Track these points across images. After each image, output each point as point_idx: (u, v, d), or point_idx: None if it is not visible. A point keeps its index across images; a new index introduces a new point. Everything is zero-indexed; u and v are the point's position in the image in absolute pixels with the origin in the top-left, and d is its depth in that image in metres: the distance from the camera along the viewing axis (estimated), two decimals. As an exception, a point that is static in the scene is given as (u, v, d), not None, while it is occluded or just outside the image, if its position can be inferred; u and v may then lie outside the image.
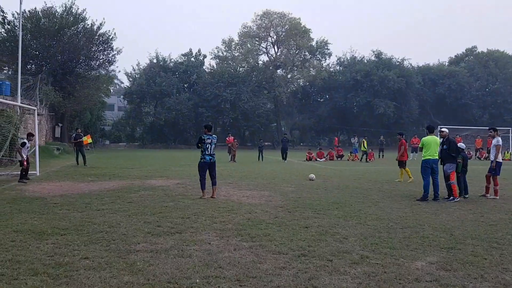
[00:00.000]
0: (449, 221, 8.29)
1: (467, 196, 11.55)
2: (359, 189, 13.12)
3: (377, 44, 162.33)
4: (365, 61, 63.62)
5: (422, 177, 11.37)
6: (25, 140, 14.90)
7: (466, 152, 12.08)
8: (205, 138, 10.85)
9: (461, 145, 12.34)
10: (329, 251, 5.90)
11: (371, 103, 57.02)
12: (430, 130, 11.74)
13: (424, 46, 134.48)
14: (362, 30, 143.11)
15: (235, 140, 28.76)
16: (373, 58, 63.88)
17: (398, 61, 62.95)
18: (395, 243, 6.45)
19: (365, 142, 28.73)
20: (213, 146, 10.95)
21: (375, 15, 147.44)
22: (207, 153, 10.82)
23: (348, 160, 29.65)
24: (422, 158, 11.55)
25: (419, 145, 12.11)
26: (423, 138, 11.67)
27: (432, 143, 11.32)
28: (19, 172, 14.33)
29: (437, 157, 11.39)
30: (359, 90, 58.61)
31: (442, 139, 11.70)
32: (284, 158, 28.07)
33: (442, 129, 11.99)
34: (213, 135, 11.12)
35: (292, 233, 6.94)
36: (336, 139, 48.38)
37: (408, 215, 8.77)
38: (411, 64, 64.96)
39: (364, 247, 6.19)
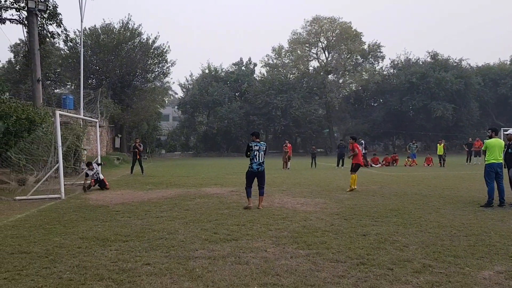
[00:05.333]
0: (517, 228, 7.86)
1: (535, 201, 10.91)
2: (418, 195, 12.71)
3: (432, 45, 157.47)
4: (420, 63, 61.78)
5: (486, 182, 10.84)
6: (87, 171, 15.29)
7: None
8: (253, 145, 10.41)
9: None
10: (389, 260, 5.75)
11: (428, 106, 55.14)
12: (496, 133, 11.18)
13: (483, 45, 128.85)
14: (416, 31, 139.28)
15: (285, 146, 28.16)
16: (428, 59, 61.95)
17: (455, 62, 60.66)
18: (459, 251, 6.18)
19: (441, 146, 28.38)
20: (262, 153, 10.43)
21: (429, 16, 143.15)
22: (255, 161, 10.35)
23: (405, 165, 28.84)
24: (486, 162, 11.00)
25: (482, 148, 11.55)
26: (487, 141, 11.12)
27: (496, 146, 10.77)
28: (86, 184, 14.88)
29: (501, 161, 10.83)
30: (415, 93, 56.85)
31: (508, 142, 11.06)
32: (342, 164, 27.68)
33: (509, 131, 11.28)
34: (262, 142, 10.58)
35: (349, 241, 6.82)
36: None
37: (472, 222, 8.40)
38: (469, 65, 62.43)
39: (426, 255, 5.98)
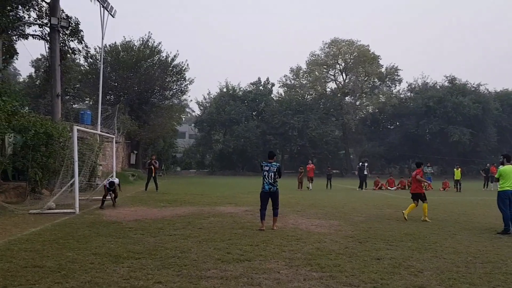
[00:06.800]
0: (536, 257, 7.66)
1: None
2: (434, 220, 12.49)
3: (451, 69, 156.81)
4: (438, 87, 61.59)
5: (500, 209, 10.63)
6: (107, 185, 15.46)
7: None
8: (263, 165, 10.42)
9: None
10: (403, 285, 5.65)
11: (445, 130, 54.71)
12: (508, 159, 11.05)
13: (501, 70, 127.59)
14: (433, 55, 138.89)
15: (301, 167, 29.15)
16: (446, 83, 61.76)
17: (473, 87, 60.33)
18: (474, 278, 6.06)
19: (458, 171, 28.31)
20: (272, 174, 10.29)
21: (446, 40, 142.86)
22: (265, 181, 10.30)
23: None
24: (499, 189, 10.83)
25: (496, 176, 11.38)
26: (500, 168, 10.99)
27: (510, 173, 10.61)
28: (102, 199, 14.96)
29: None
30: (431, 117, 56.51)
31: None
32: (363, 186, 27.58)
33: None
34: (274, 163, 10.47)
35: (363, 265, 6.72)
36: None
37: (489, 249, 8.22)
38: (487, 90, 62.01)
39: (441, 282, 5.86)
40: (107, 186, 15.14)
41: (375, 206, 16.29)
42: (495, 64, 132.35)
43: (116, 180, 15.68)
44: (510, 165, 10.84)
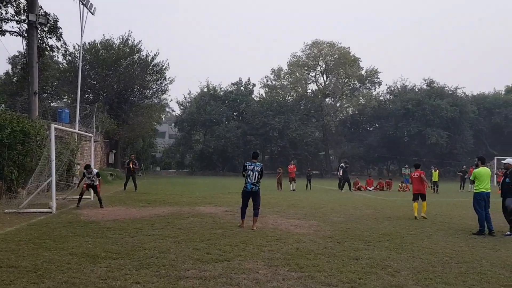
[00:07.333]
0: (509, 257, 7.85)
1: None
2: (411, 220, 12.69)
3: (429, 72, 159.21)
4: (416, 90, 62.44)
5: (476, 210, 10.86)
6: (85, 172, 15.15)
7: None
8: (247, 165, 10.62)
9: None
10: (381, 285, 5.72)
11: (423, 133, 55.57)
12: (483, 162, 11.32)
13: (478, 74, 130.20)
14: (413, 58, 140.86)
15: (279, 168, 29.77)
16: (424, 86, 62.63)
17: (451, 90, 61.33)
18: (450, 278, 6.17)
19: (436, 173, 28.56)
20: (256, 173, 10.48)
21: (425, 43, 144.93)
22: (248, 180, 10.51)
23: (398, 190, 28.85)
24: (475, 191, 11.09)
25: (471, 178, 11.65)
26: (475, 170, 11.25)
27: (485, 175, 10.93)
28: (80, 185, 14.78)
29: (490, 190, 10.96)
30: (410, 119, 57.34)
31: (505, 171, 11.17)
32: (341, 187, 27.80)
33: (506, 161, 11.36)
34: (258, 163, 10.71)
35: (341, 265, 6.79)
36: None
37: (464, 250, 8.39)
38: (465, 93, 63.19)
39: (417, 281, 5.96)
40: (83, 169, 14.90)
41: (354, 207, 16.44)
42: (472, 67, 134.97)
43: (95, 170, 15.29)
44: (485, 167, 11.14)
